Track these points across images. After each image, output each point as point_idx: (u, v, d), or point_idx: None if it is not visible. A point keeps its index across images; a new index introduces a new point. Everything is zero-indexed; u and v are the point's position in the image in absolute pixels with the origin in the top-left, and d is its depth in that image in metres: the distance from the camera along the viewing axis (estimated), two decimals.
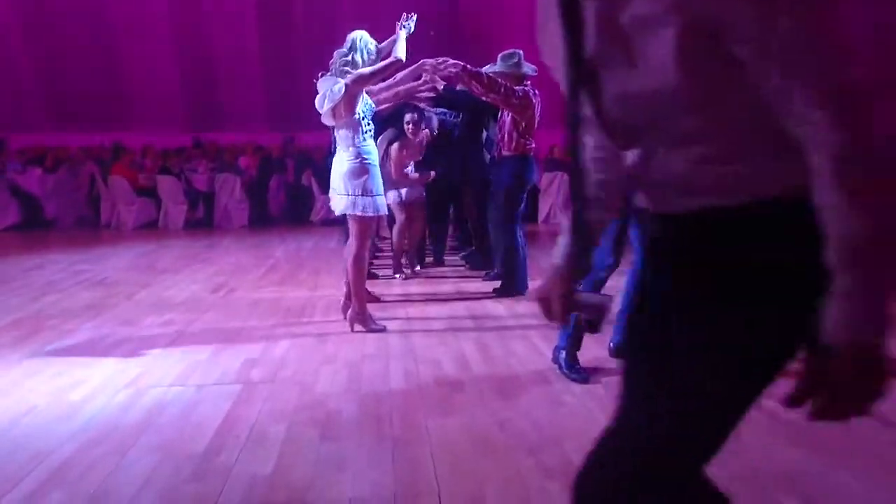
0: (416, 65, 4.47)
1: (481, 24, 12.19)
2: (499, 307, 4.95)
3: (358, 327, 4.33)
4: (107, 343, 4.16)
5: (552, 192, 10.42)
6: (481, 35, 11.48)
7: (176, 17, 12.49)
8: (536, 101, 5.03)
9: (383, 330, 4.35)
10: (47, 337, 4.30)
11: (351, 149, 4.14)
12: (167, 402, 3.18)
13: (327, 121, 4.18)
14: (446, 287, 5.74)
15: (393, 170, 5.70)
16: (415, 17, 4.38)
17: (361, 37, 4.15)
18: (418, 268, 6.41)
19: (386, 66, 4.16)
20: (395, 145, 5.76)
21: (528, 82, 5.07)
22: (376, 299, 5.06)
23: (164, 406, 3.12)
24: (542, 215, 10.49)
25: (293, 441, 2.73)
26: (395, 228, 6.11)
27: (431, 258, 6.79)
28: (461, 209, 6.78)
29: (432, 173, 5.90)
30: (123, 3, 12.21)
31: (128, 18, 12.30)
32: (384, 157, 5.37)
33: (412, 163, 5.87)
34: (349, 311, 4.37)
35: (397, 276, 6.10)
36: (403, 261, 6.24)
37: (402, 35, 4.28)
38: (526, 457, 2.56)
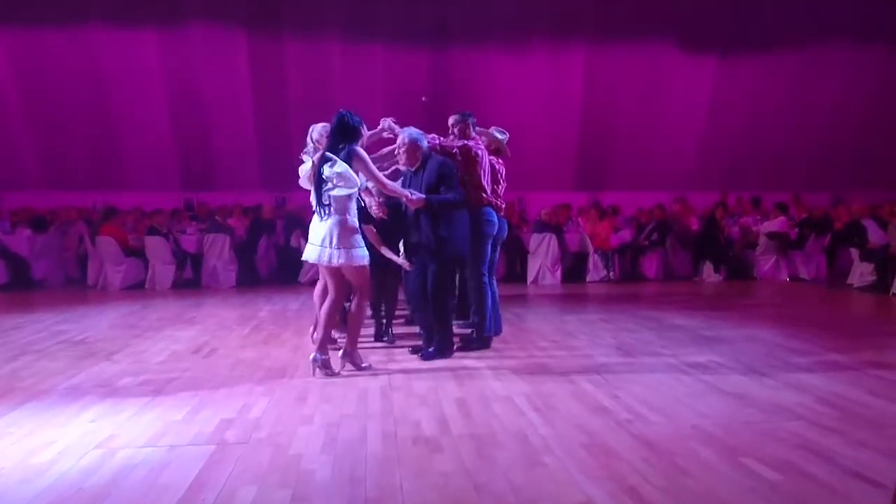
0: (375, 130, 5.33)
1: (470, 91, 12.47)
2: (481, 365, 4.88)
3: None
4: (81, 403, 4.07)
5: (541, 253, 10.44)
6: (470, 102, 11.78)
7: (171, 81, 12.72)
8: (482, 158, 5.43)
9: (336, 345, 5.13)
10: (20, 397, 4.20)
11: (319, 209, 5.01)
12: (136, 463, 3.09)
13: (305, 185, 4.96)
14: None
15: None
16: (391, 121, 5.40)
17: (314, 127, 5.30)
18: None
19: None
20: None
21: (473, 141, 5.50)
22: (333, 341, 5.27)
23: (132, 468, 3.03)
24: (531, 276, 10.48)
25: None
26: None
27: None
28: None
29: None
30: (119, 68, 12.42)
31: (123, 83, 12.50)
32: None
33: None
34: (313, 334, 5.32)
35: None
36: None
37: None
38: None
